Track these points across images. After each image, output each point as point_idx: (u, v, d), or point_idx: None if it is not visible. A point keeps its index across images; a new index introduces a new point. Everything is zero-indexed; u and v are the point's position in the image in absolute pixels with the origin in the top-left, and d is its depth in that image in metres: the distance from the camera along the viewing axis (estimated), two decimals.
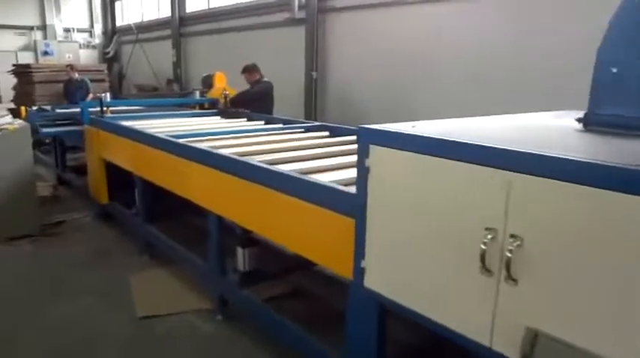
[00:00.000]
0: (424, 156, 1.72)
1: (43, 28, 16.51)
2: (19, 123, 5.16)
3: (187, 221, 5.25)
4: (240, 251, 3.28)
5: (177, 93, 7.10)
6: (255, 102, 6.52)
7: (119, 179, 5.23)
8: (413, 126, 1.98)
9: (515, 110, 2.86)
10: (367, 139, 1.94)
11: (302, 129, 4.83)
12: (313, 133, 4.61)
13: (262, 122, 5.55)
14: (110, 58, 17.02)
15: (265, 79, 6.77)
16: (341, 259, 2.19)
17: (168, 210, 5.01)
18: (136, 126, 4.85)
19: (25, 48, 15.99)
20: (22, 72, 11.55)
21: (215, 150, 3.38)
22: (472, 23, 6.43)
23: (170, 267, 4.35)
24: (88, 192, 5.86)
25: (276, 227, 2.67)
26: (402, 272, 1.90)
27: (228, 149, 3.57)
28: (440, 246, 1.75)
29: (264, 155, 3.46)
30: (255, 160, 3.05)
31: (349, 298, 2.21)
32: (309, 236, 2.41)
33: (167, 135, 3.98)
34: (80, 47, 16.64)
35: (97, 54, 17.34)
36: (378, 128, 1.91)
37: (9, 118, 5.38)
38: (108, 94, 5.54)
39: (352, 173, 2.94)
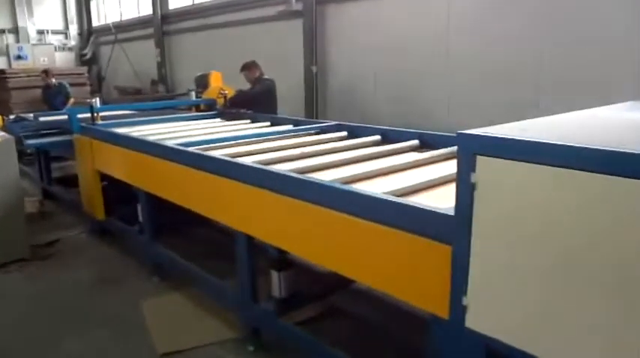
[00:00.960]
0: (568, 170, 1.35)
1: (15, 30, 15.77)
2: (1, 135, 4.67)
3: (195, 233, 4.85)
4: (275, 275, 2.88)
5: (170, 95, 6.64)
6: (257, 101, 6.12)
7: (116, 192, 4.79)
8: (523, 129, 1.62)
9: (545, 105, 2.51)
10: (472, 149, 1.56)
11: (317, 130, 4.46)
12: (330, 134, 4.23)
13: (268, 123, 5.16)
14: (88, 60, 16.37)
15: (266, 77, 6.37)
16: (429, 293, 1.82)
17: (173, 222, 4.62)
18: (134, 134, 4.43)
19: None
20: None
21: (237, 160, 2.97)
22: (487, 8, 6.10)
23: (185, 289, 3.93)
24: (81, 207, 5.40)
25: (332, 252, 2.28)
26: (523, 310, 1.54)
27: (248, 157, 3.18)
28: (583, 280, 1.39)
29: (291, 163, 3.08)
30: (285, 169, 2.67)
31: (439, 340, 1.84)
32: (382, 264, 2.02)
33: (176, 144, 3.57)
34: (56, 50, 15.94)
35: (73, 56, 16.65)
36: (492, 134, 1.53)
37: None
38: (98, 99, 5.07)
39: (403, 180, 2.63)
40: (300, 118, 5.11)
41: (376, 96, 7.28)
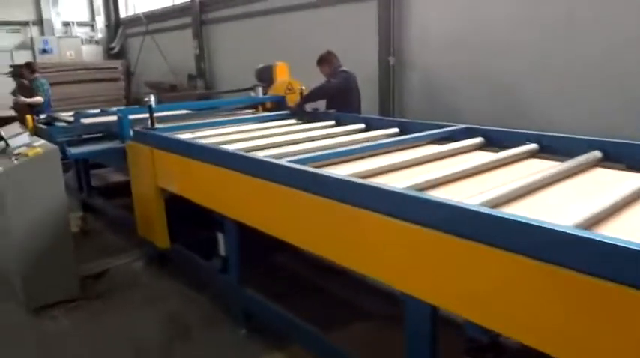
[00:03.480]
0: None
1: (40, 23, 15.16)
2: (41, 144, 3.84)
3: (281, 265, 3.98)
4: None
5: (227, 92, 5.76)
6: (335, 98, 5.23)
7: (179, 208, 3.95)
8: None
9: None
10: None
11: (445, 137, 3.57)
12: (464, 142, 3.34)
13: (362, 125, 4.30)
14: (115, 54, 15.68)
15: (345, 69, 5.46)
16: None
17: (257, 252, 3.75)
18: (204, 141, 3.59)
19: (22, 46, 14.64)
20: (22, 73, 10.22)
21: (388, 187, 2.10)
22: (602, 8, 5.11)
23: (288, 348, 3.07)
24: (130, 226, 4.60)
25: None
26: None
27: (384, 178, 2.33)
28: None
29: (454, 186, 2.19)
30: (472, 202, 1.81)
31: None
32: None
33: (289, 161, 2.69)
34: (82, 43, 15.28)
35: (100, 50, 15.98)
36: None
37: (25, 136, 4.03)
38: (152, 97, 4.23)
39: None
40: (403, 119, 4.22)
41: (466, 94, 6.30)
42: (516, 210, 1.88)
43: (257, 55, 9.61)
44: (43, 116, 6.27)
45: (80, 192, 6.22)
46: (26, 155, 3.55)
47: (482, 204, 1.88)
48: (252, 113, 5.60)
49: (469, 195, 2.02)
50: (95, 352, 3.24)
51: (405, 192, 2.04)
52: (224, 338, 3.28)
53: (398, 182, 2.25)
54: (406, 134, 4.05)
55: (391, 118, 4.40)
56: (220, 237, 3.44)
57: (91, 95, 10.24)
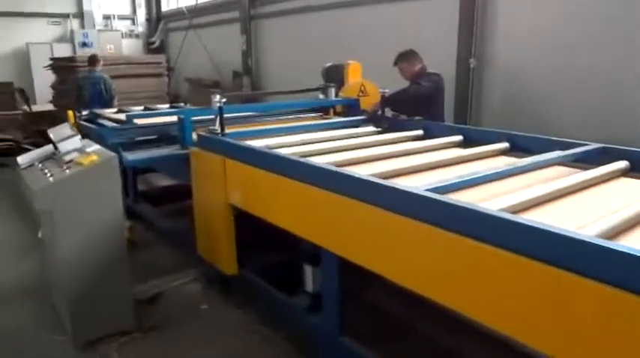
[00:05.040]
0: None
1: (80, 15, 14.91)
2: (95, 149, 3.31)
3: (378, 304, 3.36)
4: None
5: (290, 92, 5.23)
6: (420, 103, 4.62)
7: (247, 227, 3.41)
8: None
9: None
10: None
11: (579, 158, 2.98)
12: (606, 168, 2.76)
13: (458, 137, 3.72)
14: (156, 49, 15.34)
15: (434, 71, 4.84)
16: None
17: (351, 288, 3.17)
18: (283, 151, 3.05)
19: (61, 39, 14.41)
20: (63, 67, 9.93)
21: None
22: None
23: None
24: (182, 238, 4.15)
25: None
26: None
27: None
28: None
29: None
30: None
31: None
32: None
33: (426, 190, 2.10)
34: (122, 37, 14.99)
35: (140, 44, 15.67)
36: None
37: (77, 139, 3.50)
38: (218, 97, 3.69)
39: None
40: (511, 132, 3.58)
41: (558, 100, 5.60)
42: None
43: (310, 54, 9.11)
44: (85, 112, 5.86)
45: (125, 196, 5.76)
46: (80, 164, 3.03)
47: None
48: (321, 117, 5.05)
49: None
50: None
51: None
52: None
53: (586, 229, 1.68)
54: (517, 150, 3.50)
55: (497, 130, 3.75)
56: (309, 270, 2.88)
57: (132, 91, 9.83)
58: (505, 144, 3.46)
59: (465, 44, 6.14)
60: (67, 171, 3.01)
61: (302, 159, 2.76)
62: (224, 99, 3.60)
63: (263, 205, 3.05)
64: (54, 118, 10.14)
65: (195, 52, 13.43)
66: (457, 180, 2.32)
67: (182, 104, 6.89)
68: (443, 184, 2.23)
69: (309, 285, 2.90)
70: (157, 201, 5.88)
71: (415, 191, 2.07)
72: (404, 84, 4.78)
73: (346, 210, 2.36)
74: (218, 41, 12.32)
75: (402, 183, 2.26)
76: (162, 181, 6.61)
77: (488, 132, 3.78)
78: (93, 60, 8.14)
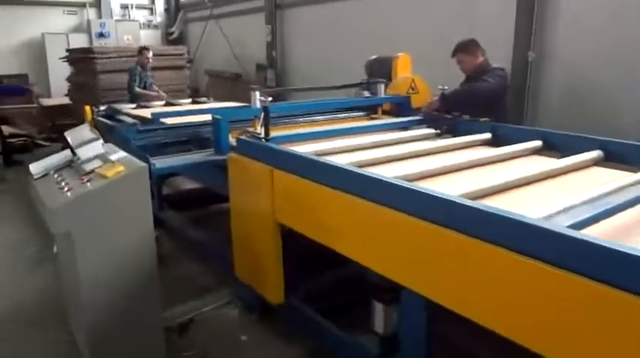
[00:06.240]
0: None
1: (97, 4, 14.51)
2: (121, 157, 2.83)
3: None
4: None
5: (336, 87, 4.72)
6: (483, 102, 4.09)
7: (293, 246, 2.95)
8: None
9: None
10: None
11: None
12: None
13: (537, 142, 3.25)
14: (174, 40, 14.90)
15: (499, 66, 4.30)
16: None
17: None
18: (338, 159, 2.59)
19: (78, 29, 14.02)
20: (80, 58, 9.51)
21: None
22: None
23: None
24: (217, 253, 3.67)
25: None
26: None
27: None
28: None
29: None
30: None
31: None
32: None
33: (567, 226, 1.60)
34: (140, 27, 14.58)
35: (159, 35, 15.24)
36: None
37: (99, 144, 3.00)
38: (258, 94, 3.20)
39: None
40: (603, 138, 3.07)
41: (626, 97, 5.04)
42: None
43: (342, 45, 8.59)
44: (103, 107, 5.42)
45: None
46: (104, 176, 2.56)
47: None
48: (368, 117, 4.55)
49: None
50: None
51: None
52: None
53: None
54: (616, 160, 3.00)
55: (586, 136, 3.21)
56: (379, 308, 2.39)
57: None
58: (598, 153, 2.97)
59: (522, 37, 5.58)
60: (88, 184, 2.55)
61: (376, 175, 2.26)
62: (270, 98, 3.10)
63: (322, 228, 2.55)
64: (70, 112, 9.80)
65: (215, 43, 12.96)
66: (592, 213, 1.81)
67: (204, 99, 6.49)
68: (579, 220, 1.72)
69: (379, 325, 2.41)
70: (182, 206, 5.46)
71: (556, 229, 1.56)
72: (454, 80, 4.27)
73: (437, 242, 1.87)
74: (240, 32, 11.83)
75: (513, 210, 1.75)
76: (186, 184, 6.19)
77: (574, 138, 3.25)
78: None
